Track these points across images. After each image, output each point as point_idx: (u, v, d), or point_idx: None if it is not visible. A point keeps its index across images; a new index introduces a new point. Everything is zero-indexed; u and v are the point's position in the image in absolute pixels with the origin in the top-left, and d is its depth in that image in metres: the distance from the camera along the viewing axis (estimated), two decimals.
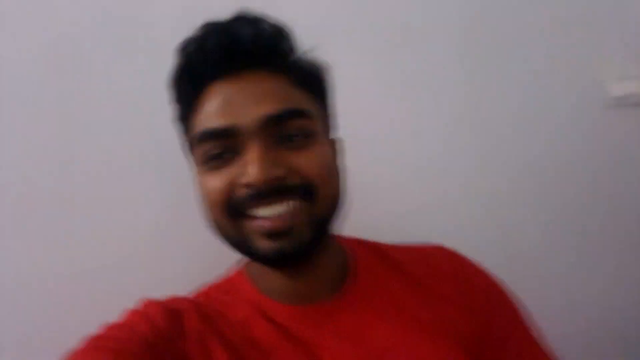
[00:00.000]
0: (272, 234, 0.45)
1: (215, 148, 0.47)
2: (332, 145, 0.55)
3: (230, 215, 0.47)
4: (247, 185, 0.45)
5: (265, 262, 0.49)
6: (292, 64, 0.51)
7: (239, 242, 0.48)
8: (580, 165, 0.97)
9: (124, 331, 0.46)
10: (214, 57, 0.48)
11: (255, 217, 0.46)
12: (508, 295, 0.60)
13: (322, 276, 0.53)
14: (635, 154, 1.01)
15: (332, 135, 0.56)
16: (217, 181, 0.47)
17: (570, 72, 0.96)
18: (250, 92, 0.47)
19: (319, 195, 0.47)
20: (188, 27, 0.51)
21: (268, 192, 0.44)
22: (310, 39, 0.54)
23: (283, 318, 0.51)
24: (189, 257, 0.82)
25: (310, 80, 0.52)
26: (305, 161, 0.47)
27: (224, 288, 0.56)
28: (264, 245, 0.46)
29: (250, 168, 0.44)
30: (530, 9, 0.94)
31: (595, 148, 0.98)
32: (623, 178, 1.01)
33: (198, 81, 0.50)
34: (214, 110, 0.47)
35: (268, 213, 0.45)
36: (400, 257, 0.60)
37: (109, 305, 0.50)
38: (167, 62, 0.52)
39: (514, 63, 0.94)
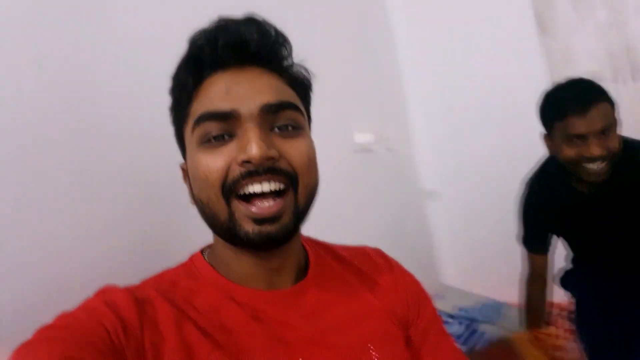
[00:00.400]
0: (260, 220, 0.50)
1: (215, 129, 0.51)
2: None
3: (224, 194, 0.50)
4: (245, 162, 0.49)
5: (249, 245, 0.52)
6: (287, 67, 0.58)
7: (226, 224, 0.52)
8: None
9: (82, 320, 0.46)
10: (223, 50, 0.54)
11: (246, 201, 0.50)
12: (426, 293, 0.70)
13: (287, 265, 0.59)
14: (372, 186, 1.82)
15: None
16: (215, 160, 0.51)
17: (329, 127, 1.26)
18: (251, 84, 0.53)
19: (301, 185, 0.53)
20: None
21: (262, 171, 0.49)
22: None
23: (251, 300, 0.55)
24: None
25: (300, 85, 0.60)
26: (294, 150, 0.53)
27: (187, 273, 0.58)
28: (252, 229, 0.50)
29: (250, 145, 0.49)
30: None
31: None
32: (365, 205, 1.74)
33: (204, 70, 0.55)
34: (217, 95, 0.52)
35: (259, 189, 0.50)
36: (344, 254, 0.68)
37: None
38: None
39: None
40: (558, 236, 1.51)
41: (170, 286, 0.55)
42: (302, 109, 0.57)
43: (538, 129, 1.33)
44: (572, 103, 1.16)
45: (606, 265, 1.45)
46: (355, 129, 1.98)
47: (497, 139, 2.22)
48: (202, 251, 0.62)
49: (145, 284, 0.56)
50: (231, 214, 0.51)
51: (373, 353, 0.56)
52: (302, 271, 0.61)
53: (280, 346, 0.52)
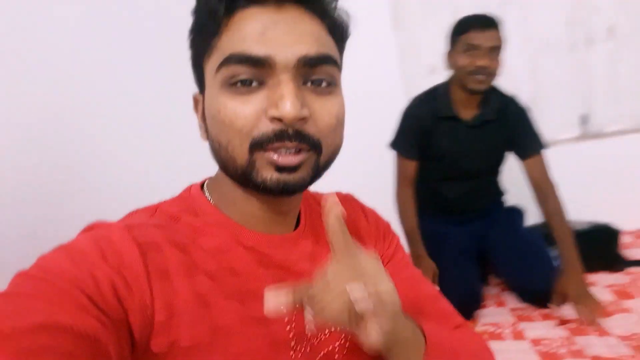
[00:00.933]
0: (281, 167, 0.47)
1: (245, 74, 0.47)
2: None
3: (251, 145, 0.47)
4: (277, 119, 0.46)
5: (264, 191, 0.49)
6: (329, 9, 0.52)
7: (242, 169, 0.48)
8: None
9: (68, 272, 0.39)
10: None
11: (271, 151, 0.47)
12: (394, 232, 0.72)
13: (291, 211, 0.58)
14: None
15: None
16: (244, 107, 0.47)
17: None
18: (290, 28, 0.47)
19: (324, 147, 0.50)
20: None
21: (292, 133, 0.46)
22: None
23: (257, 244, 0.53)
24: None
25: (340, 31, 0.54)
26: (324, 110, 0.49)
27: (186, 208, 0.54)
28: (272, 175, 0.48)
29: (284, 103, 0.45)
30: None
31: None
32: None
33: (236, 1, 0.48)
34: (251, 35, 0.46)
35: (284, 151, 0.47)
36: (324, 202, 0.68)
37: None
38: None
39: None
40: (422, 153, 1.75)
41: (171, 222, 0.51)
42: (340, 63, 0.53)
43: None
44: (476, 21, 1.53)
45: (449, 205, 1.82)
46: None
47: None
48: (201, 187, 0.59)
49: (142, 220, 0.50)
50: (252, 161, 0.48)
51: None
52: (298, 218, 0.61)
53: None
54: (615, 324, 1.42)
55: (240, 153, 0.48)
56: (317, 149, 0.49)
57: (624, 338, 1.33)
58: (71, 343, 0.34)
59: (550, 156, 2.33)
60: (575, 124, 2.51)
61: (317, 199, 0.68)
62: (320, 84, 0.50)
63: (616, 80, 2.46)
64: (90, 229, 0.48)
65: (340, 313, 0.40)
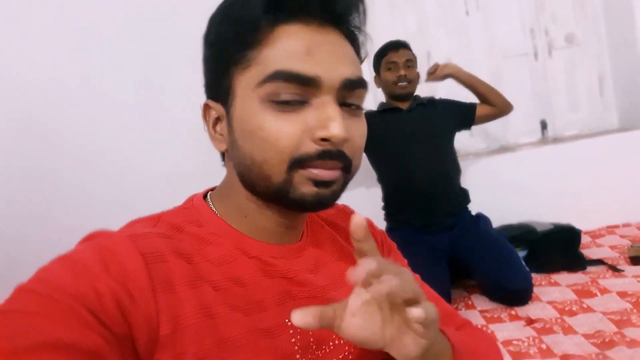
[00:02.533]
0: (319, 182, 0.48)
1: (290, 91, 0.46)
2: None
3: (290, 164, 0.47)
4: (324, 139, 0.46)
5: (300, 206, 0.49)
6: (356, 32, 0.53)
7: (277, 186, 0.48)
8: None
9: (70, 286, 0.37)
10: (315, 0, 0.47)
11: (310, 167, 0.47)
12: (392, 242, 0.72)
13: (300, 223, 0.58)
14: None
15: None
16: (287, 126, 0.46)
17: None
18: (333, 50, 0.48)
19: (354, 168, 0.51)
20: None
21: (335, 153, 0.47)
22: None
23: (262, 254, 0.53)
24: None
25: (361, 54, 0.55)
26: (357, 132, 0.51)
27: (189, 219, 0.53)
28: (310, 190, 0.48)
29: (334, 125, 0.45)
30: None
31: None
32: None
33: (283, 12, 0.47)
34: (297, 53, 0.46)
35: (322, 174, 0.47)
36: (324, 214, 0.67)
37: None
38: None
39: None
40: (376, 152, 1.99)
41: (175, 231, 0.50)
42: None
43: None
44: (391, 45, 2.00)
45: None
46: None
47: None
48: (204, 197, 0.58)
49: (145, 229, 0.48)
50: (289, 179, 0.47)
51: None
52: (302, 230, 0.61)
53: (290, 302, 0.51)
54: (579, 322, 1.48)
55: (277, 171, 0.47)
56: (349, 169, 0.50)
57: (588, 336, 1.38)
58: None
59: (513, 160, 2.43)
60: (536, 129, 2.62)
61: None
62: (351, 106, 0.50)
63: (574, 86, 2.59)
64: (91, 238, 0.45)
65: (378, 329, 0.42)
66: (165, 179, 2.02)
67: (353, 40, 0.52)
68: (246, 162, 0.49)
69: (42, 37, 1.97)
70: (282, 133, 0.46)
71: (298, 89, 0.46)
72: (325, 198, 0.49)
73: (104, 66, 2.05)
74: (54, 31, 1.97)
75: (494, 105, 1.98)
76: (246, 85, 0.48)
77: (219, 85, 0.52)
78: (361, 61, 0.55)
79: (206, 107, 0.55)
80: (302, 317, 0.39)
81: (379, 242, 0.69)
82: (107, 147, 2.06)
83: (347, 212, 0.71)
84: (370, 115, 2.02)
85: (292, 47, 0.46)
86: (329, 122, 0.46)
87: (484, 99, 1.99)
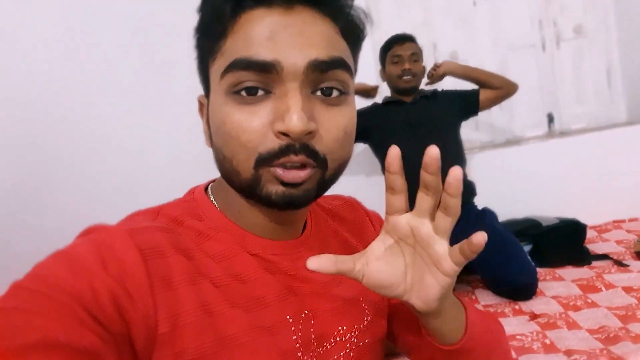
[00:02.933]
0: (286, 183, 0.45)
1: (251, 81, 0.43)
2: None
3: (256, 162, 0.44)
4: (283, 133, 0.43)
5: (269, 205, 0.47)
6: (341, 9, 0.48)
7: (247, 183, 0.46)
8: None
9: (67, 284, 0.36)
10: None
11: (276, 166, 0.44)
12: None
13: (297, 219, 0.55)
14: None
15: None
16: (250, 120, 0.44)
17: None
18: (299, 31, 0.44)
19: (330, 162, 0.47)
20: None
21: (298, 147, 0.43)
22: None
23: (262, 251, 0.51)
24: None
25: (354, 33, 0.50)
26: (334, 123, 0.46)
27: (190, 212, 0.51)
28: (277, 190, 0.45)
29: (290, 117, 0.42)
30: None
31: None
32: None
33: (242, 2, 0.44)
34: (257, 40, 0.43)
35: (289, 165, 0.44)
36: (330, 206, 0.65)
37: None
38: None
39: None
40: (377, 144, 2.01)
41: (175, 225, 0.49)
42: (353, 66, 0.50)
43: None
44: (396, 38, 1.99)
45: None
46: None
47: None
48: (205, 189, 0.56)
49: (144, 223, 0.47)
50: (257, 176, 0.45)
51: (363, 305, 0.57)
52: (304, 224, 0.59)
53: (291, 298, 0.50)
54: (584, 317, 1.47)
55: (245, 168, 0.45)
56: (323, 165, 0.46)
57: (592, 331, 1.37)
58: None
59: (519, 153, 2.41)
60: (543, 122, 2.59)
61: (320, 202, 0.65)
62: (330, 94, 0.46)
63: (581, 79, 2.55)
64: (89, 232, 0.44)
65: (401, 273, 0.45)
66: (167, 170, 2.02)
67: (336, 17, 0.47)
68: (219, 158, 0.48)
69: (43, 27, 1.97)
70: (244, 128, 0.44)
71: (258, 77, 0.43)
72: (296, 198, 0.46)
73: (104, 55, 2.05)
74: (55, 21, 1.97)
75: (497, 87, 1.98)
76: (214, 77, 0.47)
77: (203, 79, 0.51)
78: (354, 39, 0.50)
79: (200, 103, 0.54)
80: (318, 260, 0.41)
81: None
82: (108, 138, 2.06)
83: (354, 205, 0.69)
84: (373, 107, 2.06)
85: (253, 33, 0.43)
86: (286, 113, 0.42)
87: (485, 85, 1.99)
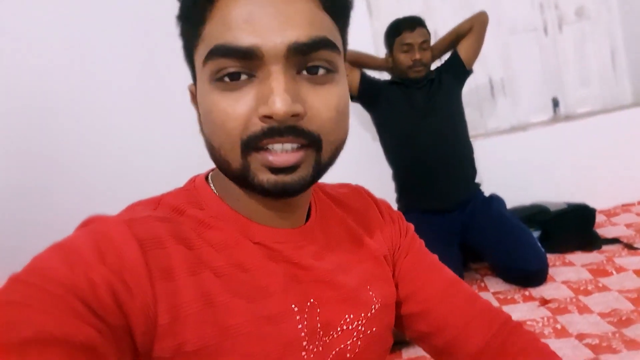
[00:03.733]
0: (277, 169, 0.43)
1: (233, 66, 0.42)
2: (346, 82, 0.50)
3: (241, 146, 0.43)
4: (267, 117, 0.42)
5: (264, 194, 0.46)
6: None
7: (238, 172, 0.45)
8: None
9: (63, 276, 0.36)
10: None
11: (264, 150, 0.43)
12: (408, 223, 0.69)
13: (299, 205, 0.54)
14: None
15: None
16: (234, 106, 0.43)
17: None
18: (279, 10, 0.42)
19: (325, 142, 0.45)
20: None
21: (284, 130, 0.42)
22: None
23: (265, 239, 0.50)
24: None
25: (338, 5, 0.47)
26: (321, 102, 0.44)
27: (190, 201, 0.50)
28: (268, 178, 0.44)
29: (273, 99, 0.41)
30: None
31: None
32: None
33: None
34: (235, 23, 0.42)
35: (279, 149, 0.43)
36: (335, 194, 0.64)
37: None
38: None
39: None
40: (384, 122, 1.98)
41: (176, 214, 0.48)
42: (340, 44, 0.47)
43: None
44: (405, 23, 1.88)
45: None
46: None
47: None
48: (206, 177, 0.55)
49: (144, 213, 0.46)
50: (246, 164, 0.44)
51: (370, 293, 0.56)
52: (308, 212, 0.57)
53: (295, 286, 0.49)
54: (595, 301, 1.46)
55: (233, 156, 0.44)
56: (317, 145, 0.45)
57: (604, 315, 1.36)
58: (65, 357, 0.32)
59: (525, 139, 2.38)
60: (547, 106, 2.56)
61: (326, 188, 0.64)
62: (316, 72, 0.44)
63: (585, 62, 2.52)
64: (87, 223, 0.44)
65: None
66: (165, 165, 2.02)
67: None
68: (209, 147, 0.47)
69: (43, 27, 1.97)
70: (228, 114, 0.43)
71: (239, 62, 0.42)
72: (290, 185, 0.44)
73: (105, 55, 2.05)
74: (56, 20, 1.97)
75: (468, 30, 1.92)
76: (198, 65, 0.46)
77: (190, 67, 0.50)
78: (340, 12, 0.48)
79: (191, 92, 0.52)
80: None
81: (396, 223, 0.67)
82: (106, 135, 2.06)
83: (362, 193, 0.68)
84: (380, 85, 1.99)
85: (232, 16, 0.42)
86: (269, 96, 0.41)
87: (457, 40, 1.95)
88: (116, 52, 2.06)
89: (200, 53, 0.45)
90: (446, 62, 1.99)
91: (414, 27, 1.86)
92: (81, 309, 0.34)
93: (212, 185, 0.53)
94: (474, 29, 1.90)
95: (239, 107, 0.43)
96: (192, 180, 0.55)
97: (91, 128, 2.03)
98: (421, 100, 1.91)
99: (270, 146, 0.43)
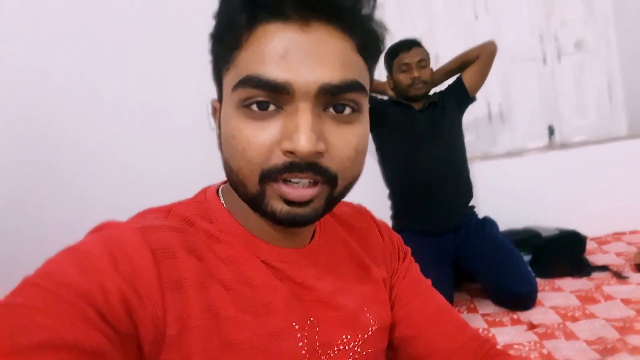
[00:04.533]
0: (291, 201, 0.44)
1: (261, 97, 0.43)
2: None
3: (260, 177, 0.44)
4: (290, 152, 0.43)
5: (275, 222, 0.47)
6: (359, 24, 0.46)
7: (252, 196, 0.46)
8: None
9: (76, 283, 0.36)
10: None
11: (281, 182, 0.44)
12: (406, 247, 0.70)
13: (307, 229, 0.55)
14: None
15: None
16: (257, 135, 0.43)
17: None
18: (314, 50, 0.42)
19: (340, 180, 0.46)
20: None
21: (305, 166, 0.43)
22: None
23: (271, 258, 0.51)
24: None
25: (371, 47, 0.48)
26: (343, 142, 0.45)
27: (200, 213, 0.51)
28: (281, 208, 0.45)
29: (298, 137, 0.42)
30: None
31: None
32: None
33: (258, 14, 0.43)
34: (270, 57, 0.42)
35: (296, 183, 0.44)
36: (340, 212, 0.65)
37: None
38: None
39: None
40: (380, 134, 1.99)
41: (186, 225, 0.49)
42: (368, 84, 0.48)
43: None
44: (401, 45, 1.93)
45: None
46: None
47: None
48: (217, 191, 0.55)
49: (156, 222, 0.46)
50: (262, 192, 0.45)
51: (368, 315, 0.57)
52: (312, 232, 0.58)
53: (297, 305, 0.50)
54: (582, 328, 1.48)
55: (250, 182, 0.45)
56: (333, 182, 0.46)
57: (590, 342, 1.38)
58: None
59: (520, 165, 2.42)
60: (543, 134, 2.61)
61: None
62: (342, 111, 0.45)
63: (582, 92, 2.58)
64: (100, 228, 0.44)
65: None
66: (166, 175, 2.04)
67: (353, 32, 0.45)
68: (227, 168, 0.48)
69: (43, 34, 1.99)
70: (250, 142, 0.43)
71: (269, 95, 0.43)
72: (302, 217, 0.45)
73: (106, 63, 2.07)
74: (55, 27, 1.99)
75: (474, 58, 1.94)
76: (227, 88, 0.46)
77: (217, 86, 0.51)
78: (372, 53, 0.49)
79: (214, 108, 0.53)
80: None
81: (395, 246, 0.68)
82: (106, 143, 2.07)
83: (364, 214, 0.69)
84: (384, 104, 2.03)
85: (268, 49, 0.42)
86: (295, 132, 0.42)
87: (463, 67, 1.97)
88: (115, 58, 2.08)
89: (231, 78, 0.45)
90: (450, 87, 2.02)
91: (410, 47, 1.91)
92: (93, 315, 0.35)
93: (222, 199, 0.54)
94: (480, 57, 1.92)
95: (263, 137, 0.43)
96: (203, 192, 0.55)
97: (88, 135, 2.04)
98: (424, 123, 1.93)
99: (287, 179, 0.44)
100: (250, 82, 0.42)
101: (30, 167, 1.91)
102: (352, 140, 0.46)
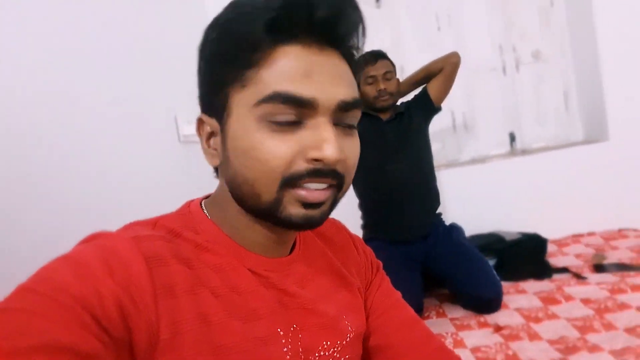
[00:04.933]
0: (308, 204, 0.48)
1: (287, 113, 0.47)
2: None
3: (281, 184, 0.47)
4: (317, 160, 0.47)
5: (288, 226, 0.50)
6: (355, 52, 0.53)
7: (266, 205, 0.49)
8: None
9: (72, 288, 0.37)
10: (319, 23, 0.46)
11: (299, 187, 0.48)
12: (378, 261, 0.74)
13: (292, 238, 0.59)
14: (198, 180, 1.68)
15: None
16: (281, 147, 0.47)
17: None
18: (330, 71, 0.48)
19: (345, 185, 0.52)
20: None
21: (327, 172, 0.48)
22: None
23: (256, 267, 0.53)
24: None
25: (359, 71, 0.55)
26: (352, 151, 0.52)
27: (186, 225, 0.53)
28: (298, 211, 0.49)
29: (328, 146, 0.46)
30: None
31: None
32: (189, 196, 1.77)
33: (280, 37, 0.46)
34: (295, 76, 0.46)
35: (313, 187, 0.48)
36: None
37: None
38: None
39: None
40: None
41: (173, 236, 0.50)
42: None
43: None
44: (367, 58, 1.92)
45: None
46: (182, 119, 2.01)
47: None
48: (200, 203, 0.58)
49: (145, 232, 0.48)
50: (279, 198, 0.48)
51: (346, 322, 0.60)
52: (292, 243, 0.62)
53: (282, 311, 0.53)
54: (545, 328, 1.53)
55: (267, 190, 0.48)
56: (341, 186, 0.51)
57: (552, 342, 1.43)
58: None
59: (483, 171, 2.50)
60: (505, 141, 2.71)
61: None
62: (346, 126, 0.51)
63: (541, 101, 2.69)
64: (93, 238, 0.45)
65: None
66: (147, 187, 2.00)
67: (351, 60, 0.52)
68: (237, 180, 0.50)
69: (23, 43, 1.94)
70: (275, 153, 0.47)
71: (295, 110, 0.47)
72: (314, 219, 0.50)
73: (85, 72, 2.03)
74: (40, 41, 1.94)
75: (439, 70, 1.97)
76: (243, 104, 0.48)
77: (213, 100, 0.52)
78: (358, 80, 0.55)
79: (200, 122, 0.55)
80: None
81: (369, 259, 0.71)
82: (88, 154, 2.03)
83: (340, 229, 0.72)
84: None
85: (291, 69, 0.46)
86: (324, 143, 0.47)
87: (428, 79, 2.01)
88: (99, 69, 2.04)
89: (250, 94, 0.47)
90: (416, 97, 2.04)
91: (376, 59, 1.93)
92: (88, 320, 0.36)
93: (206, 211, 0.56)
94: (445, 69, 1.96)
95: (286, 148, 0.47)
96: (187, 205, 0.57)
97: (65, 151, 1.99)
98: (392, 134, 1.97)
99: (306, 184, 0.48)
100: (279, 98, 0.46)
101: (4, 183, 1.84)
102: (355, 150, 0.53)
